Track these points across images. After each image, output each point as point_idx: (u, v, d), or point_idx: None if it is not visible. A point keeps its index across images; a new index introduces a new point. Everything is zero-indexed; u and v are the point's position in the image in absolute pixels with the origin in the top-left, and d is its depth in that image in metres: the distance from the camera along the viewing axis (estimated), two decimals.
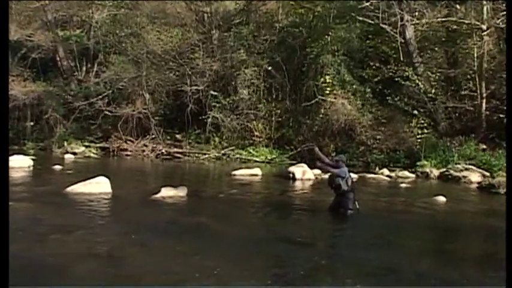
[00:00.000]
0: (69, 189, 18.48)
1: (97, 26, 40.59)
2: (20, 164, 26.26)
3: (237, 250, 11.50)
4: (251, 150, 32.33)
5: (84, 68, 41.30)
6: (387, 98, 29.63)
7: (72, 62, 41.41)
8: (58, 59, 41.38)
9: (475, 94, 28.61)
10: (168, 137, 35.63)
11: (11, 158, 26.17)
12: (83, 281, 9.15)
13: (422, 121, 28.82)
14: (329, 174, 16.29)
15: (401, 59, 29.56)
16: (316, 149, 17.29)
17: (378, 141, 29.61)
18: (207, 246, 11.67)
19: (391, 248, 12.19)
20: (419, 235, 13.99)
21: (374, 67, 31.49)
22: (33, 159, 27.69)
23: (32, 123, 40.60)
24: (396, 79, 29.42)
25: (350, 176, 15.91)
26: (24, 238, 11.90)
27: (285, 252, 11.80)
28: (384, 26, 29.12)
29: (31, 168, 26.37)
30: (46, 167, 26.97)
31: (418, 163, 26.74)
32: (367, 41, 32.67)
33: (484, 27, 27.64)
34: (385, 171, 26.54)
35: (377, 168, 27.46)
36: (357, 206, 15.61)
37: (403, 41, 29.27)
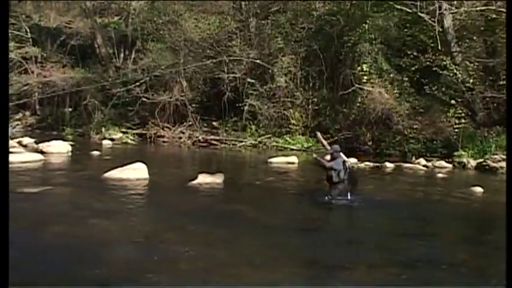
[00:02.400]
0: (107, 174, 18.84)
1: (135, 13, 41.01)
2: (58, 150, 26.73)
3: (273, 237, 11.68)
4: (287, 138, 32.43)
5: (122, 55, 41.80)
6: (425, 87, 29.46)
7: (110, 49, 41.86)
8: (96, 46, 41.85)
9: None
10: (205, 124, 35.85)
11: (50, 143, 26.69)
12: (119, 264, 9.43)
13: (460, 111, 28.59)
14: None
15: (439, 48, 29.32)
16: (319, 134, 17.50)
17: (414, 130, 29.52)
18: (244, 233, 11.89)
19: (428, 238, 12.31)
20: (455, 225, 14.05)
21: (412, 56, 31.28)
22: (71, 145, 28.12)
23: (70, 110, 41.18)
24: (434, 68, 29.22)
25: (346, 166, 15.97)
26: (64, 222, 12.26)
27: (321, 241, 11.98)
28: (422, 14, 28.96)
29: (69, 153, 26.79)
30: (84, 153, 27.36)
31: (455, 153, 26.69)
32: (405, 30, 32.37)
33: None
34: (422, 161, 26.48)
35: (414, 158, 27.49)
36: (349, 197, 15.74)
37: (441, 30, 29.00)
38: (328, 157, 16.14)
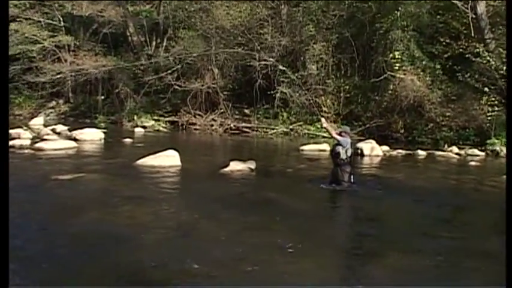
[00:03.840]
0: (140, 162, 19.01)
1: (166, 1, 41.08)
2: (91, 137, 27.06)
3: (305, 225, 11.70)
4: (319, 126, 32.26)
5: (153, 43, 41.93)
6: (457, 74, 29.16)
7: (142, 37, 42.02)
8: (128, 34, 42.04)
9: None
10: (237, 112, 35.97)
11: (83, 131, 27.00)
12: (152, 252, 9.47)
13: (493, 98, 28.29)
14: (332, 146, 16.51)
15: (472, 35, 29.15)
16: (323, 119, 17.46)
17: (447, 118, 29.36)
18: (276, 220, 11.89)
19: (460, 226, 12.28)
20: (488, 214, 13.92)
21: (444, 43, 31.15)
22: (104, 133, 28.43)
23: (103, 97, 41.49)
24: (467, 55, 28.86)
25: (351, 148, 16.00)
26: (97, 209, 12.38)
27: (353, 228, 12.02)
28: (454, 1, 28.78)
29: (102, 141, 27.09)
30: (117, 140, 27.65)
31: (488, 141, 26.52)
32: (438, 17, 32.17)
33: None
34: (454, 149, 26.40)
35: (446, 146, 27.38)
36: (352, 180, 15.66)
37: (474, 16, 28.77)
38: (333, 131, 16.15)
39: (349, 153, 15.66)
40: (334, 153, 15.81)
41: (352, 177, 15.69)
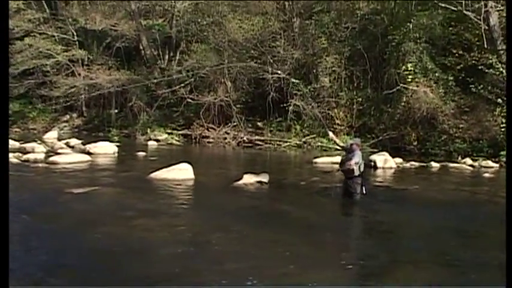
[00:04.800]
0: (153, 175, 19.07)
1: (179, 15, 41.20)
2: (105, 151, 27.14)
3: (319, 238, 11.72)
4: (330, 139, 32.32)
5: (166, 57, 42.12)
6: (470, 86, 29.13)
7: (155, 51, 42.22)
8: (141, 47, 42.30)
9: None
10: (250, 125, 35.95)
11: (96, 144, 27.10)
12: (166, 265, 9.51)
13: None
14: (341, 157, 16.48)
15: (485, 46, 29.02)
16: (331, 133, 17.44)
17: (460, 130, 29.27)
18: (290, 233, 11.88)
19: (474, 239, 12.23)
20: (503, 226, 13.90)
21: (457, 55, 31.11)
22: (117, 146, 28.50)
23: (116, 111, 41.61)
24: (480, 67, 28.86)
25: (362, 160, 15.92)
26: (111, 222, 12.46)
27: (366, 242, 12.00)
28: (467, 12, 28.66)
29: (116, 154, 27.15)
30: (130, 154, 27.71)
31: (502, 153, 26.29)
32: (450, 28, 32.12)
33: None
34: (468, 160, 26.30)
35: (459, 158, 27.31)
36: (364, 191, 15.62)
37: (487, 27, 28.64)
38: (352, 162, 15.85)
39: (361, 168, 15.64)
40: (345, 166, 15.75)
41: (364, 188, 15.66)
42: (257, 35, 35.30)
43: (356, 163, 15.43)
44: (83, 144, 29.33)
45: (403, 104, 30.96)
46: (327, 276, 9.06)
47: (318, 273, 9.18)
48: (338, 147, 29.99)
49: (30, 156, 23.75)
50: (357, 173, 15.49)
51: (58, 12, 44.84)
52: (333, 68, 33.95)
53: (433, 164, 25.22)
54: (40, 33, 42.00)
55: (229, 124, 35.60)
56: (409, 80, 30.77)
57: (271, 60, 34.02)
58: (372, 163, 24.29)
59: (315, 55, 34.73)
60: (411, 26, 31.35)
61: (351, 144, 16.22)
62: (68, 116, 44.43)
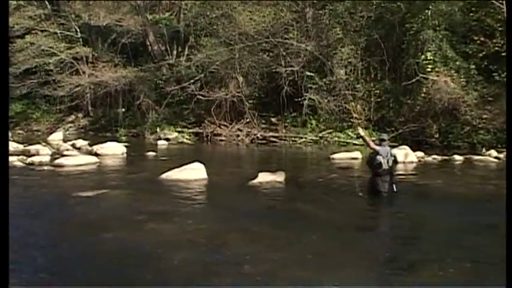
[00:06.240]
0: (164, 175, 19.08)
1: (187, 8, 41.12)
2: (113, 152, 27.19)
3: (338, 237, 11.69)
4: (350, 133, 32.25)
5: (175, 52, 41.99)
6: (493, 74, 29.02)
7: (162, 46, 42.13)
8: (148, 43, 42.27)
9: None
10: (263, 121, 35.83)
11: (104, 145, 27.13)
12: (181, 269, 9.49)
13: None
14: (369, 152, 16.38)
15: None
16: (360, 128, 17.34)
17: (484, 120, 29.04)
18: (308, 233, 11.84)
19: (503, 235, 12.11)
20: None
21: (478, 42, 30.88)
22: (126, 146, 28.57)
23: (123, 110, 41.60)
24: (503, 54, 28.65)
25: (392, 156, 15.85)
26: (121, 226, 12.47)
27: (389, 239, 11.91)
28: None
29: (124, 155, 27.20)
30: (139, 154, 27.73)
31: None
32: (471, 14, 31.82)
33: None
34: (493, 152, 26.11)
35: (484, 150, 27.13)
36: (395, 189, 15.58)
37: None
38: (383, 160, 15.75)
39: (390, 163, 15.56)
40: (374, 164, 15.65)
41: (394, 186, 15.60)
42: (269, 27, 35.08)
43: (382, 155, 15.37)
44: (90, 145, 29.39)
45: (423, 95, 30.76)
46: (350, 278, 8.99)
47: (339, 274, 9.14)
48: (357, 143, 30.04)
49: (35, 159, 23.79)
50: (385, 166, 15.42)
51: (60, 8, 44.89)
52: (349, 60, 33.79)
53: (456, 157, 25.06)
54: (42, 31, 42.06)
55: (242, 121, 35.56)
56: (429, 69, 30.55)
57: (284, 53, 33.95)
58: (393, 157, 24.13)
59: (330, 46, 34.57)
60: (430, 13, 31.12)
61: (380, 141, 16.12)
62: (73, 116, 44.47)
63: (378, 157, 15.46)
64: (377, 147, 15.61)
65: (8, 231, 7.28)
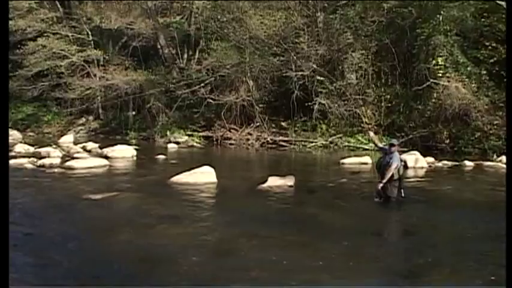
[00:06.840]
0: (174, 179, 19.12)
1: (198, 12, 41.12)
2: (123, 154, 27.23)
3: (349, 242, 11.66)
4: (360, 138, 32.23)
5: (185, 55, 41.97)
6: (505, 80, 28.96)
7: (173, 50, 42.14)
8: (159, 46, 42.27)
9: None
10: (273, 125, 35.78)
11: (114, 148, 27.19)
12: (190, 273, 9.50)
13: None
14: (378, 159, 16.41)
15: None
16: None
17: (495, 126, 29.04)
18: (318, 237, 11.89)
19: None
20: None
21: (490, 47, 30.88)
22: (136, 149, 28.61)
23: (134, 113, 41.58)
24: None
25: (402, 163, 15.89)
26: (131, 229, 12.49)
27: (399, 246, 11.95)
28: (500, 2, 28.47)
29: (134, 158, 27.24)
30: (149, 157, 27.73)
31: None
32: (482, 20, 31.81)
33: None
34: (504, 158, 25.95)
35: (495, 156, 27.09)
36: (402, 194, 15.60)
37: None
38: (393, 167, 15.71)
39: (401, 171, 15.61)
40: (384, 168, 15.63)
41: (402, 191, 15.59)
42: (279, 31, 35.11)
43: (396, 167, 15.38)
44: (100, 148, 29.42)
45: (433, 100, 30.82)
46: (357, 283, 9.01)
47: (348, 279, 9.15)
48: (367, 148, 30.03)
49: (46, 161, 23.85)
50: (396, 176, 15.42)
51: (72, 11, 44.94)
52: (360, 64, 33.78)
53: (467, 163, 25.06)
54: (53, 33, 42.05)
55: (252, 125, 35.56)
56: (440, 75, 30.58)
57: (295, 57, 33.93)
58: (403, 163, 24.08)
59: (340, 51, 34.59)
60: (441, 18, 31.09)
61: (390, 145, 16.13)
62: (83, 119, 44.48)
63: (389, 162, 15.48)
64: (394, 166, 15.51)
65: (8, 231, 7.32)
